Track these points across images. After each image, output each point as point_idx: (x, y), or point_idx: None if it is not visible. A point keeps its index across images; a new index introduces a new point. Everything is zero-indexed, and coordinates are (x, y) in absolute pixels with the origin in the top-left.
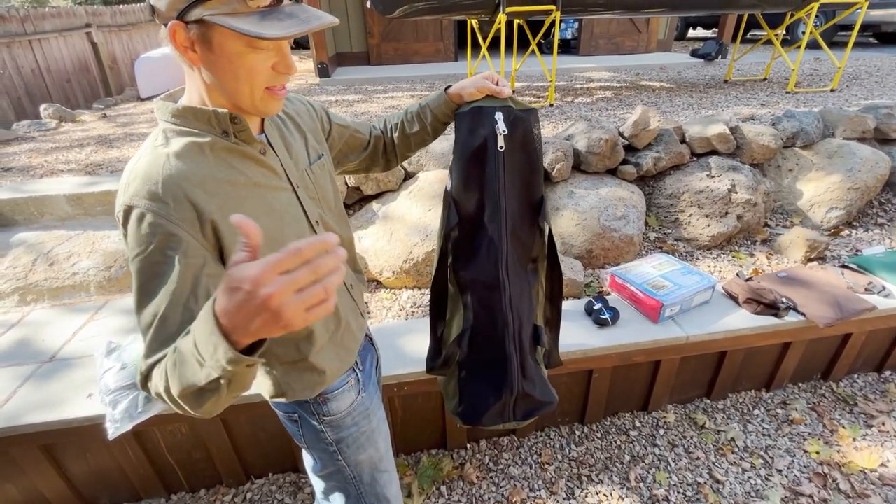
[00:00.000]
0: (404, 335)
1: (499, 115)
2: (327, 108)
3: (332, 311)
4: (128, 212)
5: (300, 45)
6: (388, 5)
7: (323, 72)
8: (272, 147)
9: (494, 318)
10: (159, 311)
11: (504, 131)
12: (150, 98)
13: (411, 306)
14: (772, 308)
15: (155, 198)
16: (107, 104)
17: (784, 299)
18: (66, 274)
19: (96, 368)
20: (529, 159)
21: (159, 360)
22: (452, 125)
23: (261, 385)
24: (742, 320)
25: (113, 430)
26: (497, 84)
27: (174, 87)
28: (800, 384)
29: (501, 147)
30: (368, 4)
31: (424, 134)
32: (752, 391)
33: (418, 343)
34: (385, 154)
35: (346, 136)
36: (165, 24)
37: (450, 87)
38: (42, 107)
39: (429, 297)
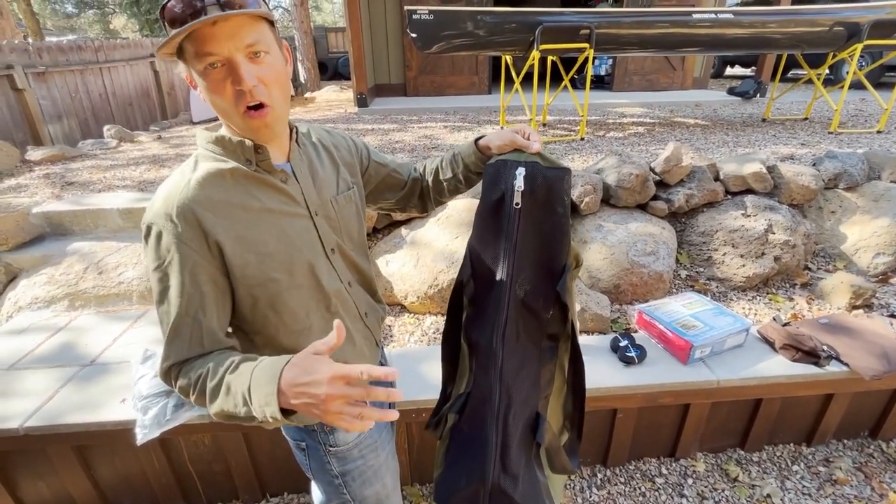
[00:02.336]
0: (425, 361)
1: (520, 171)
2: (370, 146)
3: (364, 428)
4: (149, 228)
5: (342, 76)
6: (426, 42)
7: (361, 101)
8: (295, 175)
9: (484, 390)
10: (172, 320)
11: (521, 188)
12: (201, 122)
13: (434, 332)
14: (812, 356)
15: (169, 219)
16: (162, 127)
17: (825, 347)
18: (112, 283)
19: (132, 374)
20: (554, 221)
21: (178, 365)
22: None
23: None
24: (779, 367)
25: (142, 436)
26: (528, 138)
27: None
28: (845, 441)
29: (517, 204)
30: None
31: (457, 182)
32: (791, 444)
33: (439, 370)
34: (421, 197)
35: (384, 174)
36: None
37: (481, 137)
38: (105, 128)
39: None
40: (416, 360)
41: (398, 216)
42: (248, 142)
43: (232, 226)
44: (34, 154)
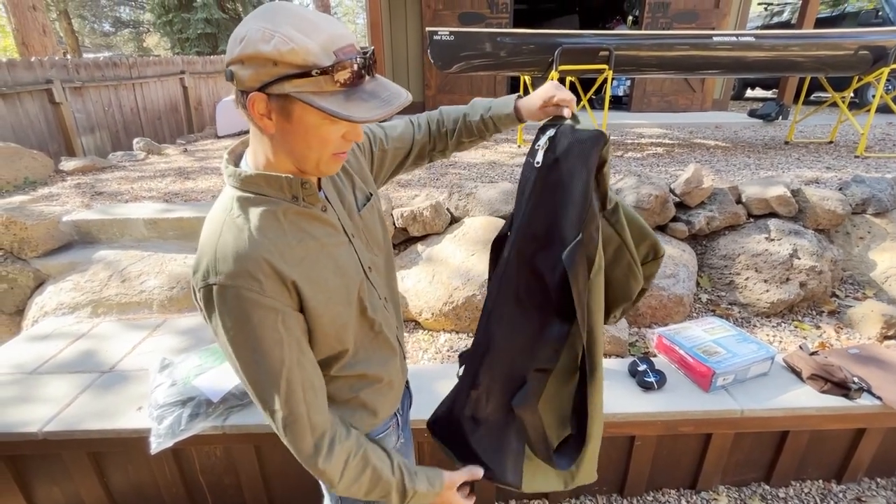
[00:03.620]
0: (440, 379)
1: (550, 132)
2: (373, 131)
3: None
4: (221, 291)
5: None
6: (446, 62)
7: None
8: (329, 203)
9: (477, 333)
10: (285, 381)
11: (544, 146)
12: (226, 136)
13: (448, 350)
14: (841, 387)
15: (248, 276)
16: (188, 140)
17: (856, 379)
18: (134, 291)
19: (149, 383)
20: (573, 186)
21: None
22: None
23: None
24: (806, 398)
25: (156, 445)
26: (560, 103)
27: (247, 128)
28: (878, 479)
29: (538, 163)
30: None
31: (481, 140)
32: (820, 481)
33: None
34: (420, 156)
35: (388, 159)
36: (243, 92)
37: (519, 97)
38: (135, 140)
39: (468, 340)
40: (429, 379)
41: (415, 232)
42: (293, 177)
43: (303, 270)
44: (67, 164)
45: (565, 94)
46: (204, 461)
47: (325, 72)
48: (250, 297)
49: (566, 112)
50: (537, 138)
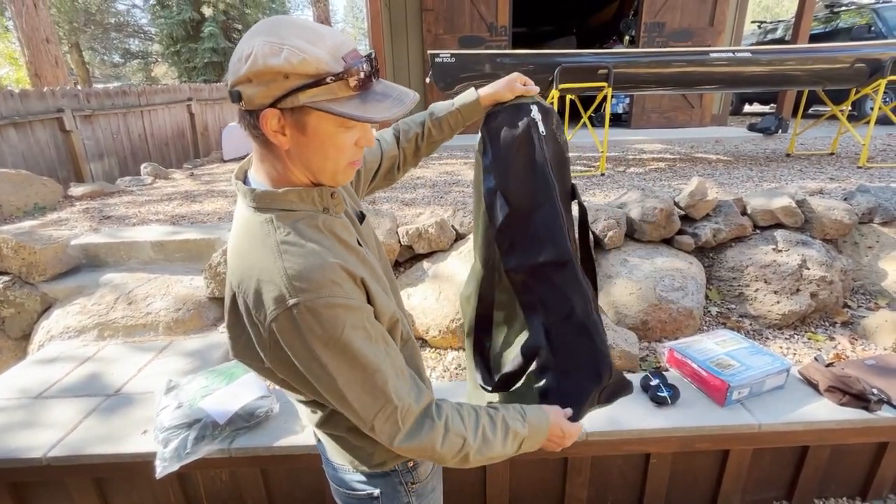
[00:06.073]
0: (449, 398)
1: (534, 107)
2: None
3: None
4: (310, 307)
5: None
6: (448, 83)
7: None
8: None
9: (569, 296)
10: (391, 369)
11: (541, 118)
12: (231, 160)
13: (456, 367)
14: (861, 400)
15: (332, 284)
16: (194, 164)
17: (875, 391)
18: (140, 313)
19: (155, 405)
20: (561, 147)
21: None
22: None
23: (355, 456)
24: (825, 411)
25: (161, 469)
26: (524, 84)
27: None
28: None
29: (543, 132)
30: (427, 80)
31: (449, 136)
32: (845, 499)
33: None
34: (399, 167)
35: (365, 174)
36: (250, 112)
37: (478, 88)
38: (143, 165)
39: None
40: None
41: (420, 249)
42: (323, 188)
43: (363, 272)
44: (76, 190)
45: (526, 79)
46: (209, 486)
47: (338, 78)
48: (340, 303)
49: (535, 88)
50: (517, 116)
